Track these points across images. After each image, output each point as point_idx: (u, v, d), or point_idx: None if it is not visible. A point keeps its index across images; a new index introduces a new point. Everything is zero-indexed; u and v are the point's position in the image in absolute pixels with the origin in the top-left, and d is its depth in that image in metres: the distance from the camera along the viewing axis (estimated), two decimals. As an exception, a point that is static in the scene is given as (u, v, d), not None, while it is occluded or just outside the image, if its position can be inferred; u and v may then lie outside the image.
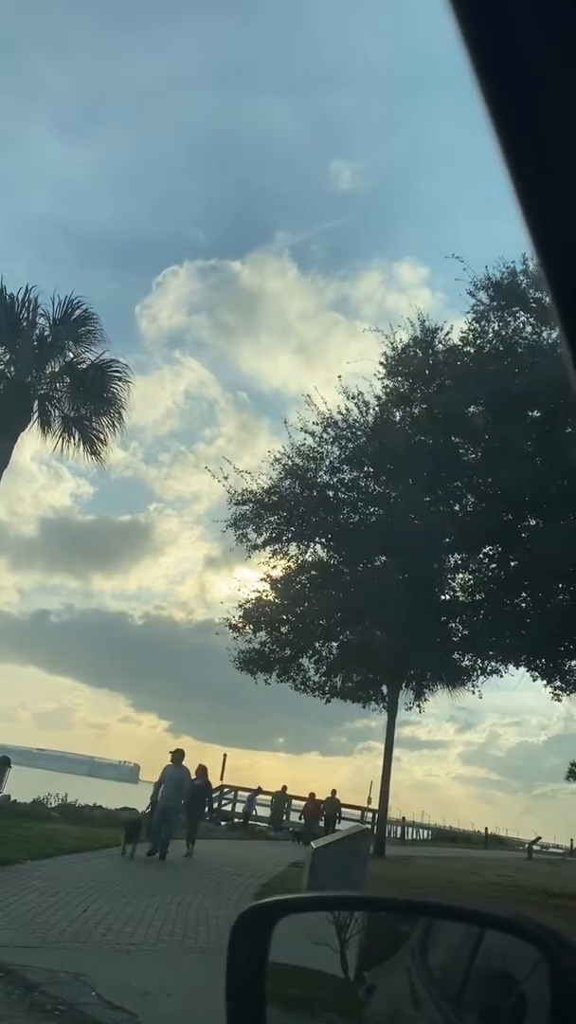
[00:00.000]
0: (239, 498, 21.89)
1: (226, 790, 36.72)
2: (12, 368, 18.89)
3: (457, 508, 20.73)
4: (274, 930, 1.52)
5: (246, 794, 35.14)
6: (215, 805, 32.61)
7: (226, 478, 21.97)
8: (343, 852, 12.64)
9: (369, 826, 26.80)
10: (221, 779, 36.98)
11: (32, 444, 21.24)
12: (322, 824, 28.85)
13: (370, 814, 32.32)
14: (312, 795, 29.80)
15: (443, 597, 22.02)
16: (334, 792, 28.60)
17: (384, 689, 25.42)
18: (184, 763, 16.87)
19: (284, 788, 31.01)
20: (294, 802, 34.08)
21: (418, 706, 25.58)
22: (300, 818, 31.28)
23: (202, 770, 18.64)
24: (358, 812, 34.53)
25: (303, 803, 31.22)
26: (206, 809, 19.88)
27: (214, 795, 36.72)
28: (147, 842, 15.99)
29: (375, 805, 29.13)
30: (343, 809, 32.20)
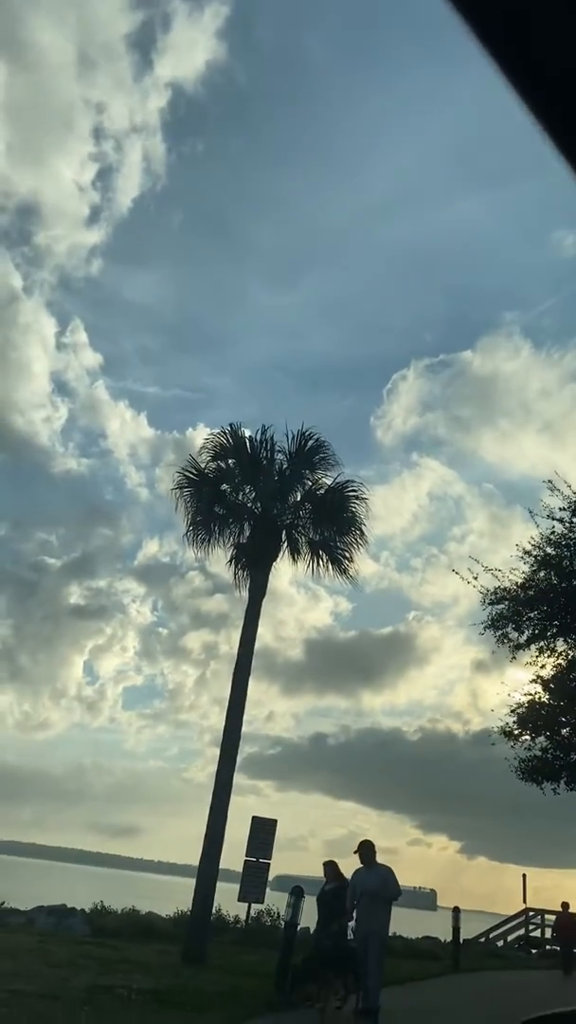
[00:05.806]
0: (492, 597, 21.18)
1: (532, 914, 34.06)
2: (258, 504, 20.17)
3: None
4: None
5: (553, 918, 32.19)
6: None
7: (476, 578, 21.43)
8: None
9: None
10: (524, 902, 34.42)
11: (286, 570, 22.17)
12: None
13: None
14: (566, 905, 25.69)
15: None
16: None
17: None
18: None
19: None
20: (545, 916, 30.26)
21: None
22: (552, 935, 27.34)
23: (334, 871, 13.13)
24: None
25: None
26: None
27: (519, 920, 34.18)
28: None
29: None
30: None
